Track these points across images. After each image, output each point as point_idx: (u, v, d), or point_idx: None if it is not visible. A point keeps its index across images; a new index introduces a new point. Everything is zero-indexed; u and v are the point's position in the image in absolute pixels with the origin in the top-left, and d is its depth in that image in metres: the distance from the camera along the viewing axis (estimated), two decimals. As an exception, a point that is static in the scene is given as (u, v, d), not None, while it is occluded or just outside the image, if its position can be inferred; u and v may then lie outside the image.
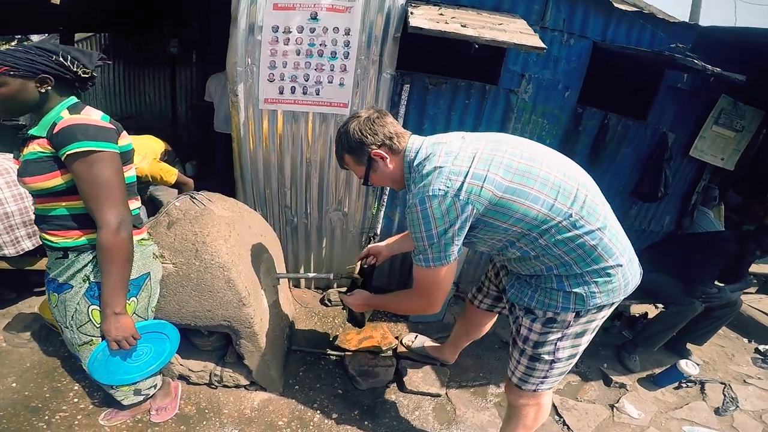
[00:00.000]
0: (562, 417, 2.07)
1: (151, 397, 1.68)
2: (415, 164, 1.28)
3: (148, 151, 2.24)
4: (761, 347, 2.96)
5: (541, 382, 1.42)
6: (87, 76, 1.23)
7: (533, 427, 1.57)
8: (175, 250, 1.65)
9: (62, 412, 1.74)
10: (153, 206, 2.69)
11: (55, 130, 1.14)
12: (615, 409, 2.19)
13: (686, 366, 2.29)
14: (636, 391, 2.36)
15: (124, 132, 1.31)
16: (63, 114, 1.17)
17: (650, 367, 2.55)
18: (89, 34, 5.11)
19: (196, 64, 4.82)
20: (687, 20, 2.55)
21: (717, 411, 2.28)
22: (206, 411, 1.84)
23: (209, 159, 3.87)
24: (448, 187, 1.13)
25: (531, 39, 2.03)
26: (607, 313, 1.32)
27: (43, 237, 1.29)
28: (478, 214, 1.16)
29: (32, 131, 1.20)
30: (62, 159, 1.14)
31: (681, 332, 2.64)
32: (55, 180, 1.18)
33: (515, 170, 1.16)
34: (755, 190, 3.34)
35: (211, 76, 3.72)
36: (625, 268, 1.24)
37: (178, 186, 2.37)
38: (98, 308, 1.30)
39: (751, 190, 3.43)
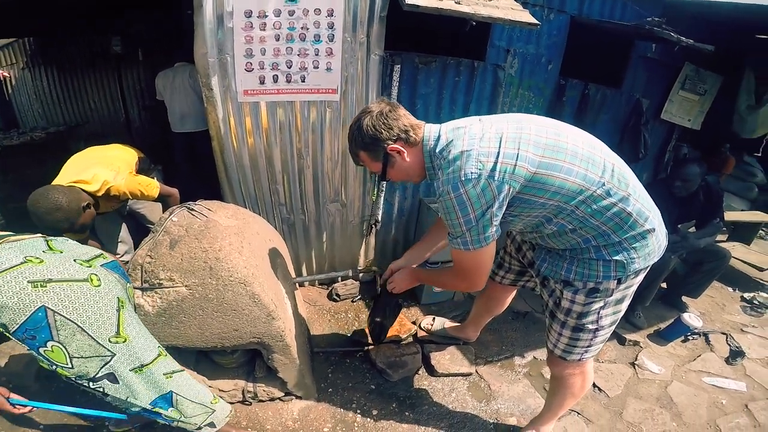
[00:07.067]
0: (591, 380, 2.17)
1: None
2: (437, 151, 1.25)
3: (121, 165, 1.96)
4: (746, 295, 3.21)
5: (586, 351, 1.46)
6: None
7: (580, 394, 1.63)
8: (186, 271, 1.49)
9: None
10: (135, 222, 2.42)
11: None
12: (636, 367, 2.32)
13: (690, 319, 2.47)
14: (649, 347, 2.51)
15: None
16: None
17: (655, 322, 2.72)
18: (10, 40, 4.42)
19: (143, 62, 4.32)
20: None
21: (727, 361, 2.45)
22: (249, 429, 1.74)
23: (171, 161, 3.55)
24: (479, 169, 1.12)
25: (524, 15, 2.04)
26: (642, 276, 1.37)
27: None
28: (514, 192, 1.16)
29: None
30: None
31: (675, 286, 2.85)
32: None
33: (544, 145, 1.17)
34: (710, 143, 3.64)
35: (159, 73, 3.36)
36: (657, 230, 1.29)
37: (162, 199, 2.12)
38: (48, 348, 1.10)
39: (704, 144, 3.71)
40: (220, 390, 1.78)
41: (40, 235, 1.23)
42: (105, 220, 2.24)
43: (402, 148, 1.29)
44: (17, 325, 1.05)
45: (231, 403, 1.82)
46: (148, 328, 1.38)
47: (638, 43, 2.75)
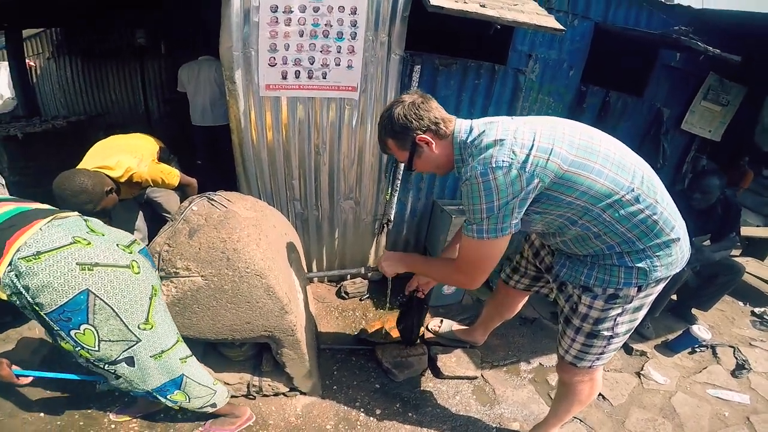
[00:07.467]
0: (596, 389, 2.16)
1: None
2: (468, 141, 1.26)
3: (144, 153, 2.00)
4: (756, 310, 3.17)
5: (597, 359, 1.45)
6: None
7: (587, 402, 1.62)
8: (203, 261, 1.51)
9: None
10: (152, 211, 2.46)
11: None
12: (642, 377, 2.30)
13: (699, 331, 2.44)
14: (656, 357, 2.48)
15: None
16: None
17: (663, 333, 2.69)
18: (39, 30, 4.52)
19: (165, 55, 4.37)
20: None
21: (733, 373, 2.43)
22: (252, 424, 1.75)
23: (189, 154, 3.59)
24: (512, 159, 1.12)
25: (549, 20, 2.04)
26: (662, 286, 1.35)
27: None
28: (543, 188, 1.15)
29: None
30: None
31: (686, 299, 2.81)
32: None
33: (578, 146, 1.17)
34: (730, 156, 3.57)
35: (182, 66, 3.40)
36: (682, 241, 1.28)
37: (182, 188, 2.16)
38: (80, 330, 1.11)
39: (723, 156, 3.64)
40: (225, 383, 1.78)
41: (76, 213, 1.24)
42: (122, 207, 2.28)
43: (430, 139, 1.30)
44: (56, 306, 1.06)
45: (235, 396, 1.85)
46: None
47: (662, 52, 2.71)
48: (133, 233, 2.40)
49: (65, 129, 3.58)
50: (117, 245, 1.19)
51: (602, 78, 2.69)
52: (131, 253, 1.22)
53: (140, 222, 2.44)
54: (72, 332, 1.11)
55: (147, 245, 1.59)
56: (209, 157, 3.61)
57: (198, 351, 1.80)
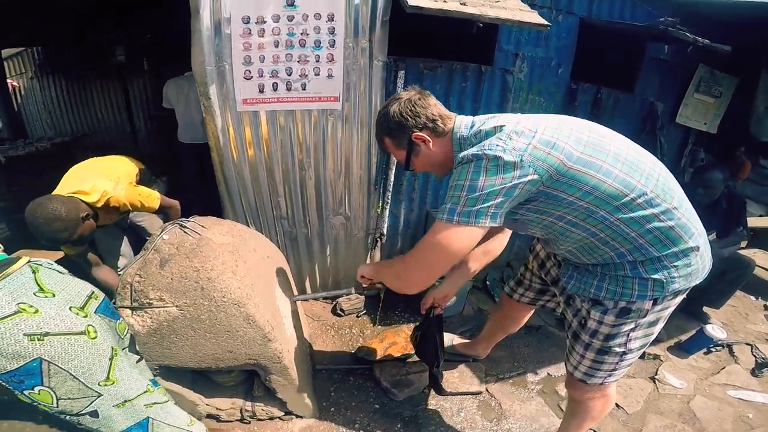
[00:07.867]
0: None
1: None
2: (468, 134, 1.21)
3: (122, 175, 1.92)
4: (769, 303, 3.05)
5: (609, 375, 1.35)
6: None
7: (600, 417, 1.53)
8: (176, 291, 1.43)
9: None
10: (136, 236, 2.37)
11: None
12: (657, 381, 2.20)
13: (713, 330, 2.35)
14: (670, 360, 2.38)
15: None
16: None
17: (675, 334, 2.59)
18: (19, 49, 4.47)
19: (149, 71, 4.30)
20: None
21: (753, 372, 2.32)
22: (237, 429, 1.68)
23: (177, 172, 3.51)
24: (507, 145, 1.05)
25: (532, 16, 1.97)
26: (680, 298, 1.25)
27: None
28: (540, 184, 1.06)
29: None
30: None
31: (696, 297, 2.70)
32: None
33: (585, 143, 1.08)
34: (727, 147, 3.51)
35: (168, 81, 3.32)
36: (702, 250, 1.17)
37: (163, 210, 2.07)
38: (35, 391, 1.03)
39: (720, 148, 3.57)
40: (217, 408, 1.72)
41: (26, 259, 1.10)
42: (105, 234, 2.20)
43: (427, 137, 1.24)
44: (6, 371, 0.98)
45: (229, 421, 1.77)
46: (139, 347, 1.34)
47: (650, 45, 2.65)
48: (118, 259, 2.32)
49: (50, 151, 3.50)
50: (70, 308, 1.08)
51: (592, 75, 2.62)
52: (86, 316, 1.11)
53: (125, 247, 2.36)
54: (26, 392, 1.02)
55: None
56: (198, 175, 3.52)
57: (187, 378, 1.72)
